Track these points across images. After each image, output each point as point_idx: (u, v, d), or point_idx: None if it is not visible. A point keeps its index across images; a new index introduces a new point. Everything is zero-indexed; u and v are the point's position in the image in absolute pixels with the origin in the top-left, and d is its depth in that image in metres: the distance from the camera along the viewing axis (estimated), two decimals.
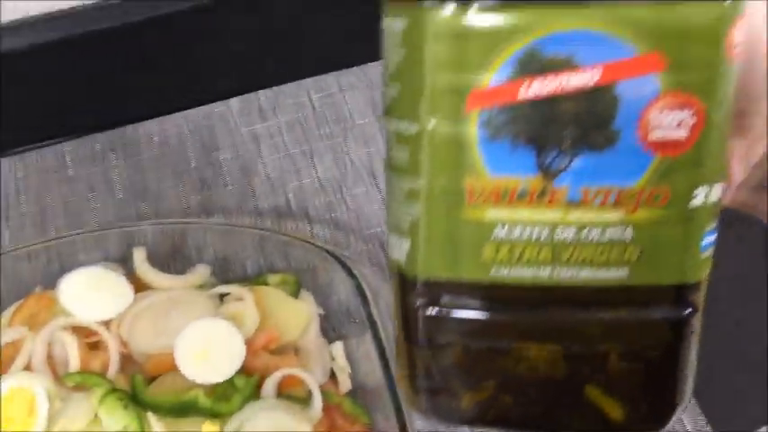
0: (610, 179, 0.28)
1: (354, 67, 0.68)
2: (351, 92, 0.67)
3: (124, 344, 0.48)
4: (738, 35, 0.26)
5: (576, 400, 0.30)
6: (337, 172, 0.63)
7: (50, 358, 0.48)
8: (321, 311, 0.53)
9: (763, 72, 0.29)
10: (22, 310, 0.50)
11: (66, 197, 0.62)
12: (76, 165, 0.63)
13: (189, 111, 0.66)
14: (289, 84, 0.67)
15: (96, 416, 0.44)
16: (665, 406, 0.31)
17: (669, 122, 0.27)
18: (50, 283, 0.53)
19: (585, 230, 0.28)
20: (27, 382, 0.44)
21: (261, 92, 0.67)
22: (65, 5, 0.63)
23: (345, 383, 0.51)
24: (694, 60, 0.26)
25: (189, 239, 0.56)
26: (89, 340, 0.48)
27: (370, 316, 0.49)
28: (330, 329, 0.54)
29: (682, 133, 0.27)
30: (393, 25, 0.27)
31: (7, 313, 0.51)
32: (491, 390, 0.30)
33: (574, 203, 0.28)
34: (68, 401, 0.45)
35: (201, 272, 0.53)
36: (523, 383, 0.30)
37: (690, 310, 0.29)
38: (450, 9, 0.25)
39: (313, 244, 0.52)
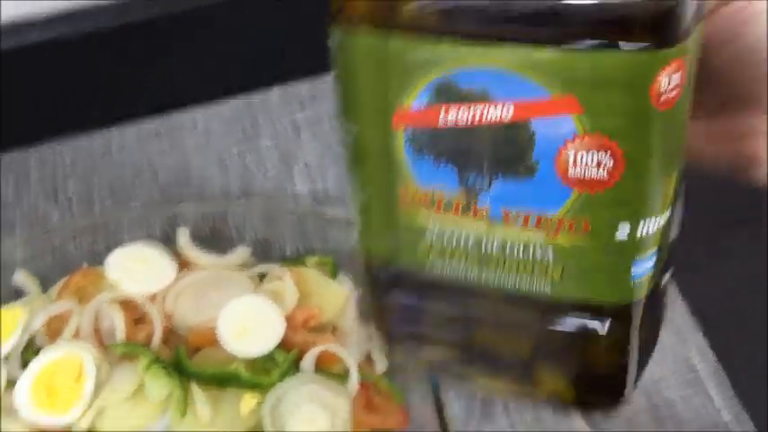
0: (529, 205, 0.28)
1: None
2: None
3: (167, 318, 0.49)
4: (669, 81, 0.25)
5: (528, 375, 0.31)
6: None
7: (97, 331, 0.49)
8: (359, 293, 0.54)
9: (763, 51, 0.28)
10: (70, 285, 0.52)
11: (113, 181, 0.64)
12: (123, 150, 0.65)
13: (232, 100, 0.67)
14: (329, 74, 0.69)
15: (141, 384, 0.46)
16: (609, 395, 0.32)
17: (587, 162, 0.26)
18: (95, 260, 0.55)
19: (509, 245, 0.28)
20: (75, 350, 0.46)
21: (302, 82, 0.68)
22: None
23: (381, 364, 0.52)
24: (611, 107, 0.25)
25: (230, 221, 0.57)
26: (134, 315, 0.50)
27: None
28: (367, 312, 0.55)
29: (601, 173, 0.26)
30: (333, 40, 0.28)
31: (55, 287, 0.53)
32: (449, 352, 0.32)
33: (496, 220, 0.28)
34: (114, 371, 0.47)
35: (241, 253, 0.55)
36: (477, 354, 0.32)
37: (626, 326, 0.29)
38: (372, 36, 0.27)
39: (344, 226, 0.52)
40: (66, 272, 0.55)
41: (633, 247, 0.27)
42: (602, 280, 0.28)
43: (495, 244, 0.29)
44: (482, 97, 0.26)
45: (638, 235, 0.27)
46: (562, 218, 0.27)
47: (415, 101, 0.27)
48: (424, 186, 0.29)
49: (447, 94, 0.27)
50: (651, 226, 0.27)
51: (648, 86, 0.25)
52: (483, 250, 0.29)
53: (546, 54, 0.25)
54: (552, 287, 0.28)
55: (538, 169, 0.27)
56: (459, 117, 0.27)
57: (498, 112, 0.27)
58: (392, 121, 0.28)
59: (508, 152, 0.27)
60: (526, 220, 0.28)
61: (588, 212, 0.27)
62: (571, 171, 0.27)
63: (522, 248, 0.28)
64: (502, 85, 0.26)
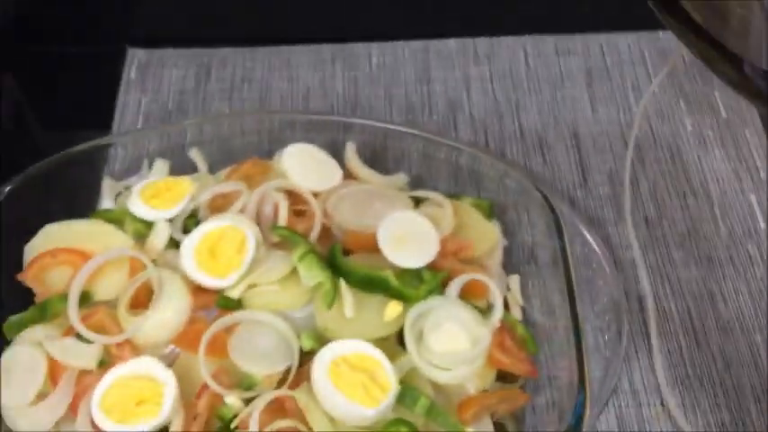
0: None
1: (576, 35, 0.69)
2: (567, 57, 0.68)
3: (327, 217, 0.50)
4: None
5: None
6: (540, 127, 0.64)
7: (258, 215, 0.51)
8: (505, 243, 0.54)
9: None
10: (239, 171, 0.54)
11: (285, 93, 0.66)
12: (299, 68, 0.68)
13: (410, 41, 0.69)
14: (507, 37, 0.69)
15: (292, 272, 0.47)
16: None
17: None
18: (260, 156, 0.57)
19: None
20: (240, 224, 0.48)
21: (479, 38, 0.69)
22: None
23: (516, 314, 0.51)
24: None
25: (390, 149, 0.58)
26: (295, 207, 0.51)
27: (564, 252, 0.49)
28: (508, 264, 0.55)
29: None
30: None
31: (222, 171, 0.56)
32: None
33: None
34: (270, 253, 0.48)
35: (401, 178, 0.56)
36: None
37: None
38: None
39: (517, 169, 0.52)
40: (228, 162, 0.57)
41: None
42: None
43: None
44: None
45: None
46: None
47: None
48: None
49: None
50: None
51: None
52: None
53: None
54: None
55: None
56: None
57: None
58: None
59: None
60: None
61: None
62: None
63: None
64: None
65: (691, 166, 0.61)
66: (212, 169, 0.58)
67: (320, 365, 0.43)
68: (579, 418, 0.44)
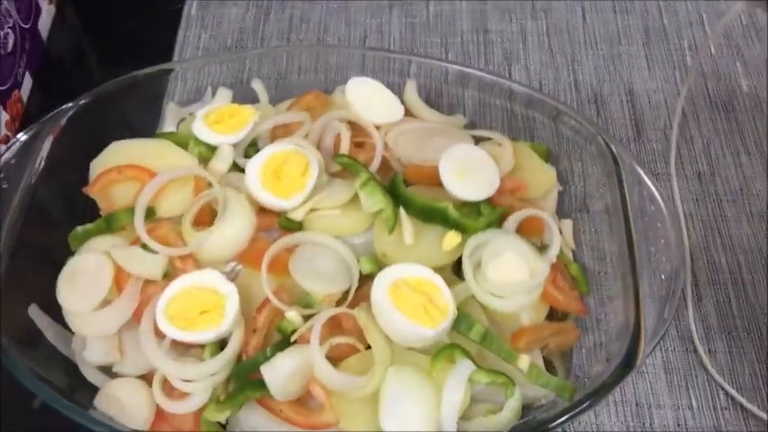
0: None
1: None
2: (624, 15, 0.68)
3: (387, 150, 0.51)
4: None
5: None
6: (595, 81, 0.64)
7: (319, 147, 0.52)
8: (560, 188, 0.54)
9: None
10: (300, 103, 0.55)
11: (342, 36, 0.67)
12: (356, 12, 0.68)
13: None
14: None
15: (352, 199, 0.48)
16: None
17: None
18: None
19: None
20: (304, 149, 0.49)
21: None
22: None
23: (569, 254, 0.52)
24: None
25: (445, 94, 0.58)
26: (356, 140, 0.52)
27: (623, 199, 0.49)
28: (560, 210, 0.55)
29: None
30: None
31: (283, 103, 0.56)
32: None
33: None
34: (331, 181, 0.49)
35: (460, 118, 0.56)
36: None
37: None
38: None
39: (580, 119, 0.52)
40: (286, 98, 0.58)
41: None
42: None
43: None
44: None
45: None
46: None
47: None
48: None
49: None
50: None
51: None
52: None
53: None
54: None
55: None
56: None
57: None
58: None
59: None
60: None
61: None
62: None
63: None
64: None
65: (745, 125, 0.61)
66: (271, 104, 0.58)
67: (381, 285, 0.43)
68: (629, 359, 0.45)
